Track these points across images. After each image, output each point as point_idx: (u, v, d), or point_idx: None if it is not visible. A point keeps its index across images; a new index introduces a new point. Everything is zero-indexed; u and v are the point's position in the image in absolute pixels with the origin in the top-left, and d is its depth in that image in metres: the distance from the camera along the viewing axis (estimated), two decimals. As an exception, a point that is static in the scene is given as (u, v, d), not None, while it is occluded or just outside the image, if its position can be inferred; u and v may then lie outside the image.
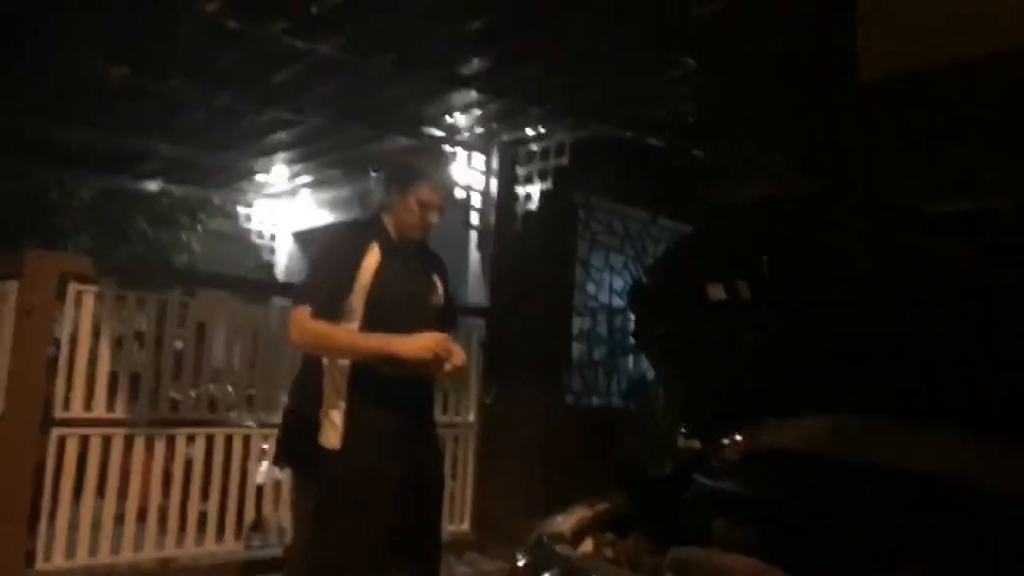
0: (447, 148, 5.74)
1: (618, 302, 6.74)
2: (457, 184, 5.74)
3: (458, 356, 2.49)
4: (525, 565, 2.11)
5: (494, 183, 6.01)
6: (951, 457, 1.96)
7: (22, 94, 5.04)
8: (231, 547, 4.52)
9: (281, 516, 4.72)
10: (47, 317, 4.10)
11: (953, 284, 1.84)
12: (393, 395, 2.55)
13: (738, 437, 2.54)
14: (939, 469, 1.91)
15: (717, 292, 2.38)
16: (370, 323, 2.56)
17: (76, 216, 8.19)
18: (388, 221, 2.68)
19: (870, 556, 1.69)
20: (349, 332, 2.54)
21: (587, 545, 2.16)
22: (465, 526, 5.49)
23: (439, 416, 4.91)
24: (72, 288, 4.12)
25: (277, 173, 7.02)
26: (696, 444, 2.65)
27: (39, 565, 3.93)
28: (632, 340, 6.53)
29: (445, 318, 2.78)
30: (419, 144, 5.30)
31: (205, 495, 4.46)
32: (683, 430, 2.74)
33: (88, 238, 8.24)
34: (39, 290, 4.02)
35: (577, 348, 6.59)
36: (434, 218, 2.64)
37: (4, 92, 5.13)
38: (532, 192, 5.86)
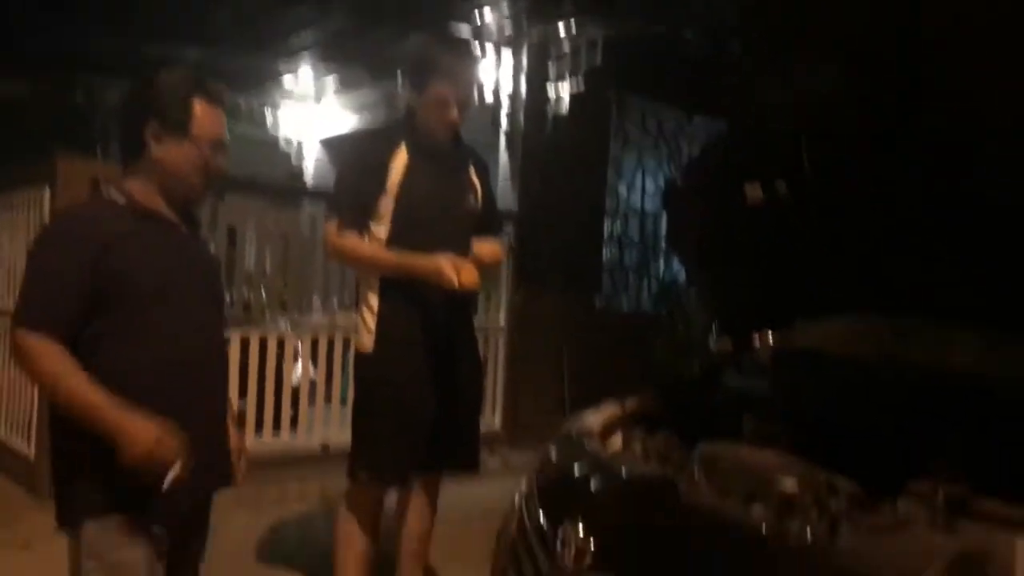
0: (475, 47, 5.58)
1: (651, 205, 6.65)
2: (480, 80, 5.60)
3: (468, 276, 2.37)
4: (554, 460, 2.15)
5: (524, 83, 5.86)
6: (986, 357, 1.93)
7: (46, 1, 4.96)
8: (269, 442, 4.67)
9: (317, 413, 4.87)
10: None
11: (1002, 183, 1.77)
12: (426, 300, 2.55)
13: (770, 337, 2.53)
14: (974, 369, 1.88)
15: (754, 191, 2.31)
16: (400, 227, 2.53)
17: (105, 122, 8.18)
18: (414, 123, 2.62)
19: (900, 456, 1.69)
20: (372, 249, 2.54)
21: (616, 441, 2.19)
22: (496, 424, 5.62)
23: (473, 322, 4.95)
24: (104, 193, 4.15)
25: (303, 76, 6.91)
26: (727, 345, 2.64)
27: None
28: (664, 243, 6.48)
29: (484, 221, 2.72)
30: (437, 38, 5.13)
31: (242, 393, 4.57)
32: (714, 331, 2.72)
33: (118, 144, 8.25)
34: (71, 196, 4.04)
35: (608, 251, 6.56)
36: (454, 114, 2.55)
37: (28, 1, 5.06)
38: (563, 92, 5.70)
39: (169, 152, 1.81)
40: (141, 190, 1.84)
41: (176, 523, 1.80)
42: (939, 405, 1.83)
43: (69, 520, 1.75)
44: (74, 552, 1.74)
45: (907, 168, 2.01)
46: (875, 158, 2.07)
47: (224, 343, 2.03)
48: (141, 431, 1.63)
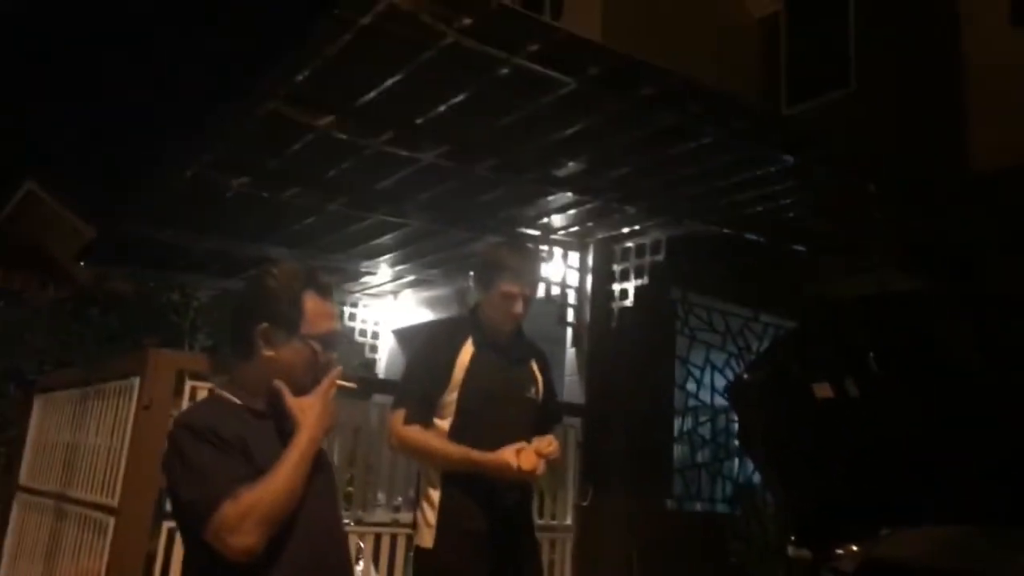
0: (541, 246, 5.84)
1: (720, 402, 6.54)
2: (547, 279, 5.80)
3: (527, 459, 2.43)
4: None
5: (589, 280, 6.03)
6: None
7: (148, 205, 5.48)
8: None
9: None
10: (164, 412, 4.31)
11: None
12: (487, 494, 2.53)
13: (853, 547, 2.38)
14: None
15: (823, 391, 2.28)
16: (464, 417, 2.58)
17: (195, 317, 8.71)
18: (481, 317, 2.74)
19: None
20: (437, 441, 2.58)
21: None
22: (563, 636, 5.26)
23: (535, 519, 4.81)
24: (188, 384, 4.33)
25: (381, 274, 7.28)
26: (807, 554, 2.49)
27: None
28: (736, 441, 6.29)
29: (546, 413, 2.76)
30: (505, 241, 5.40)
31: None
32: (792, 539, 2.59)
33: (205, 336, 8.73)
34: (158, 386, 4.24)
35: (678, 450, 6.39)
36: (518, 309, 2.67)
37: (131, 204, 5.60)
38: (628, 289, 5.84)
39: (279, 351, 1.78)
40: (250, 388, 1.80)
41: None
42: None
43: None
44: None
45: (986, 367, 1.97)
46: (950, 356, 2.04)
47: (346, 537, 1.97)
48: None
